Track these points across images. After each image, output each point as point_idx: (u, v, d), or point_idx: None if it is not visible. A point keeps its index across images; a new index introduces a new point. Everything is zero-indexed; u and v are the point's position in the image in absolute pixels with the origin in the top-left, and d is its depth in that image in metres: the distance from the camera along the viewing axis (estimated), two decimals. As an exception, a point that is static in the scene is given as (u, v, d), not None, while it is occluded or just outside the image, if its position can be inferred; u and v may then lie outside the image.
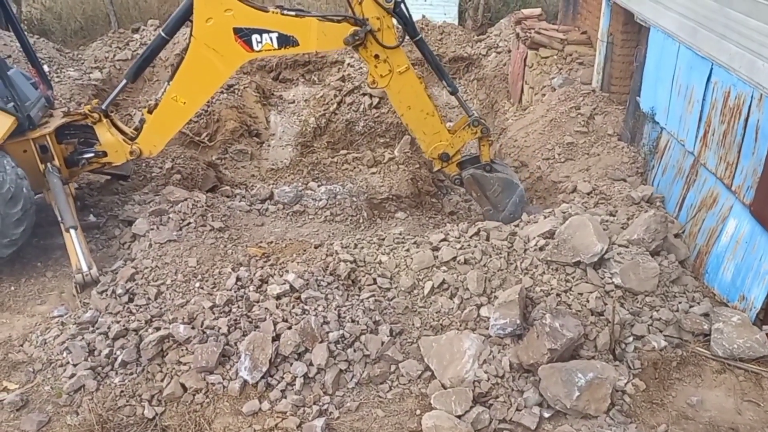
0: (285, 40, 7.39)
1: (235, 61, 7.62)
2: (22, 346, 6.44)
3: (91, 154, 8.13)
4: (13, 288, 7.37)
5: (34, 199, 7.51)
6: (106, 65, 13.97)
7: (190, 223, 7.83)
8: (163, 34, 7.77)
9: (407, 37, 7.97)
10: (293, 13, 7.50)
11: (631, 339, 6.07)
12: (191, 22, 7.40)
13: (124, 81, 8.17)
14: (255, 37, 7.34)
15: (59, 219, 7.43)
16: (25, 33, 9.17)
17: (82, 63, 14.12)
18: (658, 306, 6.33)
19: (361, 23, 7.29)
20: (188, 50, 7.53)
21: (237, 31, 7.32)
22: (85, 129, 8.18)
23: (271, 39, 7.37)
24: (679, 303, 6.41)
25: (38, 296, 7.24)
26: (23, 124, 7.53)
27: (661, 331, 6.16)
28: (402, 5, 7.53)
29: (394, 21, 7.54)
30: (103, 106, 8.14)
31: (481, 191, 8.35)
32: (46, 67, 11.41)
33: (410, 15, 7.78)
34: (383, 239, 7.33)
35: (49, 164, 7.76)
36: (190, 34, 7.46)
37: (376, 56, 7.53)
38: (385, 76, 7.65)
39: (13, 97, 7.43)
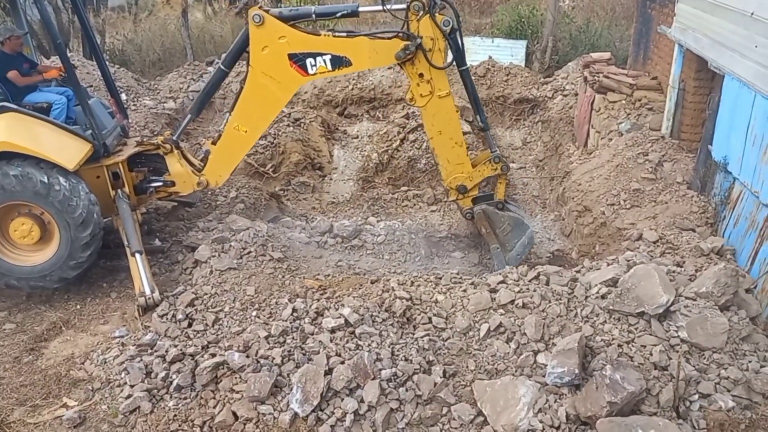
0: (338, 62, 7.54)
1: (291, 86, 7.80)
2: (83, 364, 6.64)
3: (160, 183, 8.42)
4: (79, 306, 7.64)
5: (103, 224, 7.80)
6: (180, 96, 14.57)
7: (250, 252, 7.96)
8: (222, 67, 8.04)
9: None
10: (344, 34, 7.65)
11: (696, 397, 5.76)
12: (248, 53, 7.63)
13: (189, 116, 8.48)
14: (309, 61, 7.51)
15: (125, 243, 7.68)
16: (107, 63, 9.65)
17: (158, 93, 14.78)
18: (726, 364, 6.01)
19: (413, 38, 7.36)
20: (246, 80, 7.75)
21: (292, 57, 7.51)
22: (156, 158, 8.49)
23: (324, 61, 7.53)
24: (749, 362, 6.07)
25: (102, 316, 7.47)
26: (99, 151, 7.89)
27: (729, 391, 5.83)
28: (458, 33, 7.61)
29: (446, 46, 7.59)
30: (174, 137, 8.44)
31: (490, 228, 8.34)
32: (123, 96, 11.99)
33: (463, 44, 7.86)
34: (440, 278, 7.27)
35: (119, 191, 8.07)
36: (248, 64, 7.67)
37: (421, 75, 7.60)
38: (424, 96, 7.72)
39: (92, 125, 7.80)
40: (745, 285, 6.94)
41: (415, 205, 11.04)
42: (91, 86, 12.66)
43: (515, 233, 8.33)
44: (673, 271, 6.90)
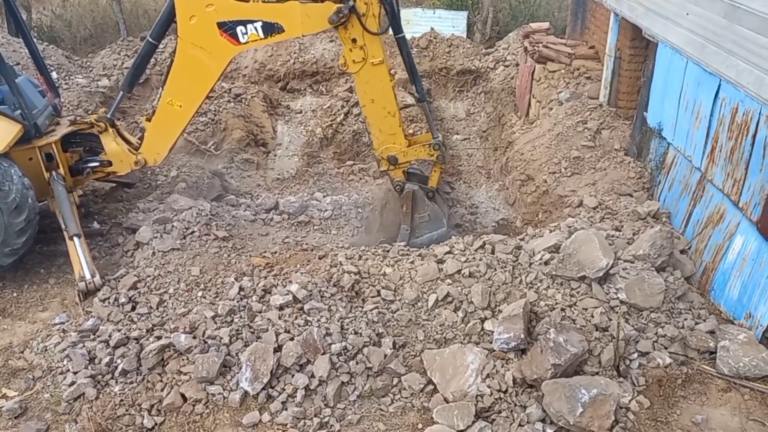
0: (270, 28, 7.31)
1: (223, 56, 7.53)
2: (22, 352, 6.43)
3: (96, 164, 8.14)
4: (15, 294, 7.37)
5: (38, 209, 7.51)
6: (114, 73, 14.08)
7: (194, 231, 7.82)
8: (150, 39, 7.72)
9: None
10: None
11: (635, 355, 6.00)
12: (176, 23, 7.36)
13: (121, 92, 8.18)
14: (240, 29, 7.28)
15: (63, 227, 7.43)
16: (35, 40, 9.22)
17: (91, 70, 14.24)
18: (663, 322, 6.27)
19: (345, 0, 7.13)
20: (176, 52, 7.49)
21: (221, 26, 7.27)
22: (91, 138, 8.20)
23: (256, 29, 7.29)
24: (685, 320, 6.34)
25: (40, 303, 7.23)
26: (29, 132, 7.56)
27: (666, 348, 6.09)
28: None
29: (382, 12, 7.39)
30: (108, 115, 8.15)
31: (411, 210, 8.27)
32: (54, 75, 11.50)
33: (399, 10, 7.69)
34: (388, 251, 7.31)
35: (54, 172, 7.78)
36: (176, 36, 7.41)
37: (354, 40, 7.38)
38: (357, 62, 7.51)
39: (21, 104, 7.46)
40: (680, 246, 7.22)
41: (361, 179, 11.02)
42: (18, 64, 12.10)
43: (430, 226, 8.30)
44: (612, 236, 7.10)
